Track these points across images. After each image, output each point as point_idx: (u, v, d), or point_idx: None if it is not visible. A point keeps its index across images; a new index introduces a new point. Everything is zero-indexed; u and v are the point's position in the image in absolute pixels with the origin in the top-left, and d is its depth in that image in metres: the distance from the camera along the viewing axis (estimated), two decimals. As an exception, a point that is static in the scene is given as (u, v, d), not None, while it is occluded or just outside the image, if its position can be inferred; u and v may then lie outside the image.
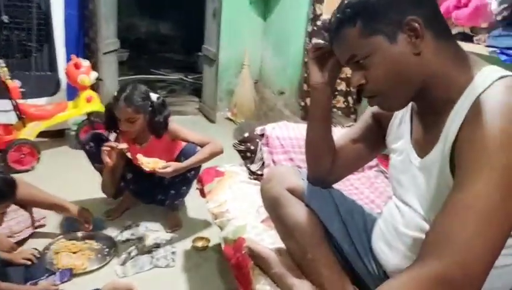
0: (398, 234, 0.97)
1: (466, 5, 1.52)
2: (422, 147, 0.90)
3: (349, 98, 2.83)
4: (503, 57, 1.29)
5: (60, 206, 1.95)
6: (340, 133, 1.19)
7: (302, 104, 3.19)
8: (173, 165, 1.90)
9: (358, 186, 1.82)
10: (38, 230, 1.99)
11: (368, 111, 1.14)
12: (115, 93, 1.94)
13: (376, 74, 0.85)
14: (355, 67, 0.88)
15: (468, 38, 1.56)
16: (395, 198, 1.02)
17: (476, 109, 0.74)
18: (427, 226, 0.88)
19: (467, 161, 0.72)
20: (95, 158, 2.06)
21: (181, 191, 2.11)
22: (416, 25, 0.80)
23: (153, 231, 2.05)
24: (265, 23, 4.01)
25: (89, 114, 2.98)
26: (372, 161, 1.17)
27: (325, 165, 1.15)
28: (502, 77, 0.76)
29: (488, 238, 0.66)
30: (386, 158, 2.16)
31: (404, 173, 0.96)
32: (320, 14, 2.94)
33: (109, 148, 1.92)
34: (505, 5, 1.39)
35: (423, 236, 0.88)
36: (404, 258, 0.95)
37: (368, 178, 1.90)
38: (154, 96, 1.99)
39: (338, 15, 0.88)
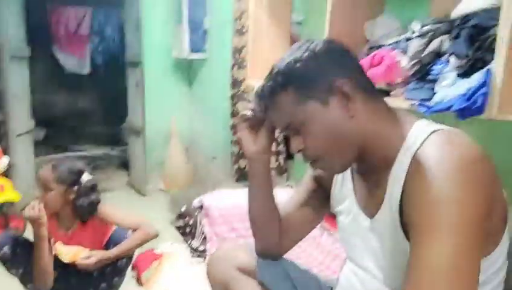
0: None
1: (379, 64, 1.62)
2: (369, 207, 0.89)
3: (280, 157, 2.85)
4: (423, 109, 1.37)
5: None
6: (283, 201, 1.15)
7: (236, 167, 3.15)
8: (97, 255, 1.70)
9: (305, 249, 1.77)
10: None
11: (308, 174, 1.11)
12: None
13: (314, 139, 0.84)
14: (293, 133, 0.87)
15: (385, 93, 1.66)
16: (350, 262, 0.98)
17: (415, 166, 0.75)
18: (388, 291, 0.84)
19: (419, 223, 0.70)
20: (12, 264, 1.78)
21: (113, 283, 1.87)
22: (346, 88, 0.81)
23: (84, 334, 1.79)
24: (191, 90, 4.02)
25: (1, 205, 2.65)
26: (323, 218, 1.13)
27: (273, 236, 1.08)
28: (434, 131, 0.77)
29: None
30: (328, 214, 2.15)
31: (355, 235, 0.93)
32: (243, 80, 3.01)
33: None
34: (415, 61, 1.50)
35: (386, 303, 0.85)
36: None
37: (313, 238, 1.86)
38: (86, 177, 1.82)
39: (269, 83, 0.87)
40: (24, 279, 1.83)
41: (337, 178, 1.01)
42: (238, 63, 3.03)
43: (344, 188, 0.98)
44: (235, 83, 3.07)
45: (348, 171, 0.97)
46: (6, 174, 2.82)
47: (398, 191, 0.78)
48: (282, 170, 2.86)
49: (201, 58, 3.66)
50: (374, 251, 0.87)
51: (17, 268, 1.78)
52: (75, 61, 5.58)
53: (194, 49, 3.61)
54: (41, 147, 5.19)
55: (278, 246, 1.10)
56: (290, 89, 0.83)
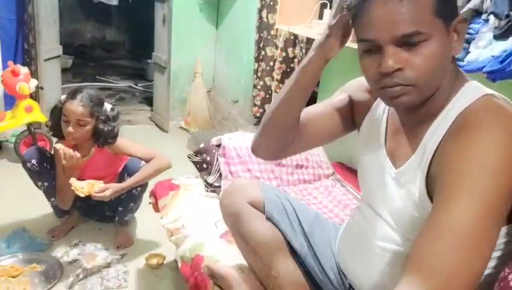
0: (367, 245, 0.94)
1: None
2: (398, 156, 0.88)
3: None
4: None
5: None
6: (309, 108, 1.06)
7: (258, 113, 3.16)
8: (112, 188, 1.78)
9: (316, 196, 1.81)
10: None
11: (343, 92, 1.05)
12: (64, 96, 1.81)
13: (422, 62, 0.74)
14: (400, 49, 0.74)
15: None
16: (364, 205, 0.98)
17: (459, 124, 0.73)
18: (397, 237, 0.87)
19: (450, 180, 0.69)
20: (38, 177, 1.90)
21: (129, 208, 1.99)
22: (464, 27, 0.78)
23: (102, 249, 1.93)
24: (217, 31, 3.96)
25: (29, 125, 2.77)
26: (335, 139, 1.08)
27: (287, 140, 1.02)
28: (486, 95, 0.75)
29: (472, 264, 0.64)
30: (342, 167, 2.18)
31: (377, 180, 0.92)
32: (272, 24, 2.94)
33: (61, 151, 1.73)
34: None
35: (393, 246, 0.87)
36: (374, 270, 0.92)
37: (325, 187, 1.90)
38: (108, 106, 1.88)
39: None
40: (48, 193, 1.96)
41: (373, 113, 0.97)
42: (267, 6, 2.94)
43: (376, 128, 0.95)
44: (263, 27, 3.00)
45: (384, 116, 0.94)
46: (34, 96, 2.91)
47: (434, 146, 0.76)
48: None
49: (231, -1, 3.57)
50: (391, 199, 0.87)
51: (43, 181, 1.89)
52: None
53: (224, -12, 3.51)
54: (68, 75, 5.29)
55: (285, 150, 1.05)
56: None
